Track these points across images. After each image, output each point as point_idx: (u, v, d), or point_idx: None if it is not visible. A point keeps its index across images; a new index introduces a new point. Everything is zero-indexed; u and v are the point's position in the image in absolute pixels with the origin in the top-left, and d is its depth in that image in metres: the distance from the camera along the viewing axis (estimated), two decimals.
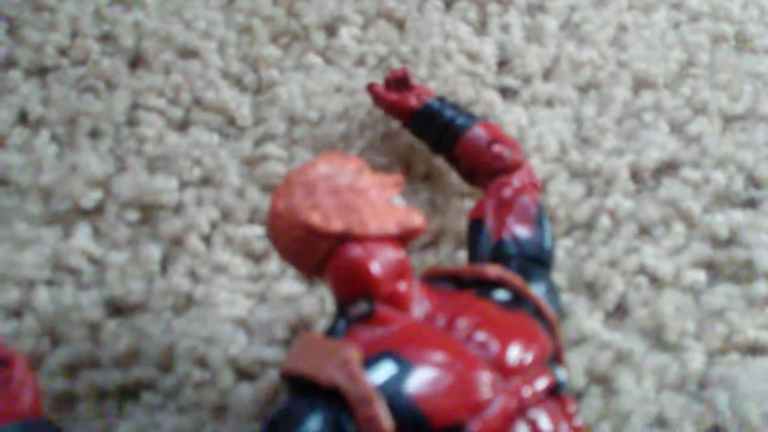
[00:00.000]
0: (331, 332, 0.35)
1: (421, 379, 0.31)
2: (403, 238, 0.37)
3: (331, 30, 0.58)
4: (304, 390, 0.32)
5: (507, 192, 0.43)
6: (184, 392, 0.44)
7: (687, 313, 0.46)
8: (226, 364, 0.44)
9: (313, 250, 0.35)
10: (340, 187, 0.36)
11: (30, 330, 0.45)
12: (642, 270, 0.48)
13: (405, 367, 0.31)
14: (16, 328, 0.45)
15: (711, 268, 0.49)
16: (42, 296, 0.46)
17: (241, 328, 0.46)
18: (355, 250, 0.35)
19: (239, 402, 0.44)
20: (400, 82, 0.51)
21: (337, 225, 0.35)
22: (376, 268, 0.35)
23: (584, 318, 0.46)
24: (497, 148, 0.45)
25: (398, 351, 0.32)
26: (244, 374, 0.45)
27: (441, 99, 0.49)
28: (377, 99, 0.51)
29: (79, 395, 0.44)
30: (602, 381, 0.45)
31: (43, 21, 0.55)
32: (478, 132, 0.46)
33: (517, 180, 0.44)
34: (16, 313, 0.46)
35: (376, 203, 0.36)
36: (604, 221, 0.50)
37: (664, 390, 0.44)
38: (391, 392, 0.30)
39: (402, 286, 0.35)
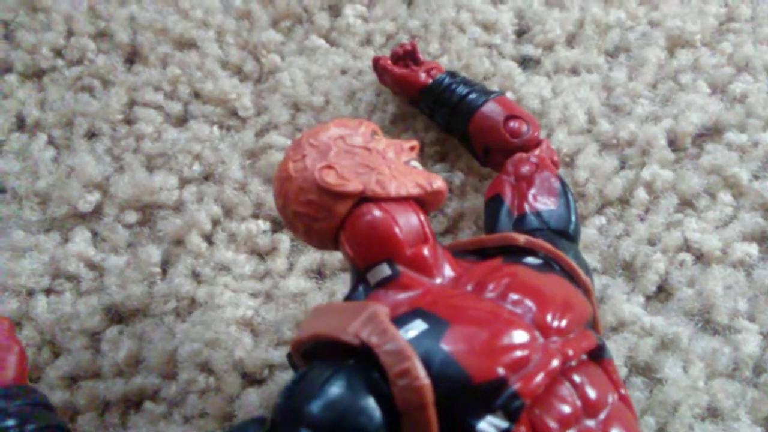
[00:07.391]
0: (349, 299, 0.33)
1: (456, 335, 0.28)
2: (424, 202, 0.34)
3: (335, 10, 0.54)
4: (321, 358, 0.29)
5: (526, 167, 0.40)
6: (189, 400, 0.42)
7: (738, 292, 0.42)
8: (231, 369, 0.42)
9: (329, 214, 0.33)
10: (354, 147, 0.34)
11: (30, 341, 0.44)
12: (685, 246, 0.44)
13: (438, 323, 0.28)
14: None
15: (763, 240, 0.44)
16: (41, 305, 0.44)
17: (246, 330, 0.43)
18: (376, 211, 0.33)
19: (247, 408, 0.41)
20: (407, 56, 0.48)
21: (354, 184, 0.33)
22: (398, 229, 0.33)
23: (622, 302, 0.42)
24: (514, 124, 0.42)
25: (429, 309, 0.29)
26: (250, 379, 0.42)
27: (452, 74, 0.47)
28: (383, 74, 0.48)
29: (80, 407, 0.42)
30: (645, 370, 0.41)
31: (37, 22, 0.54)
32: (493, 108, 0.43)
33: (535, 157, 0.41)
34: (16, 323, 0.44)
35: (394, 164, 0.34)
36: (641, 195, 0.46)
37: (715, 377, 0.40)
38: (426, 347, 0.27)
39: (425, 250, 0.33)
